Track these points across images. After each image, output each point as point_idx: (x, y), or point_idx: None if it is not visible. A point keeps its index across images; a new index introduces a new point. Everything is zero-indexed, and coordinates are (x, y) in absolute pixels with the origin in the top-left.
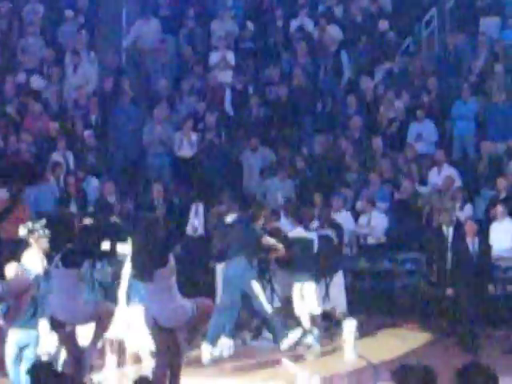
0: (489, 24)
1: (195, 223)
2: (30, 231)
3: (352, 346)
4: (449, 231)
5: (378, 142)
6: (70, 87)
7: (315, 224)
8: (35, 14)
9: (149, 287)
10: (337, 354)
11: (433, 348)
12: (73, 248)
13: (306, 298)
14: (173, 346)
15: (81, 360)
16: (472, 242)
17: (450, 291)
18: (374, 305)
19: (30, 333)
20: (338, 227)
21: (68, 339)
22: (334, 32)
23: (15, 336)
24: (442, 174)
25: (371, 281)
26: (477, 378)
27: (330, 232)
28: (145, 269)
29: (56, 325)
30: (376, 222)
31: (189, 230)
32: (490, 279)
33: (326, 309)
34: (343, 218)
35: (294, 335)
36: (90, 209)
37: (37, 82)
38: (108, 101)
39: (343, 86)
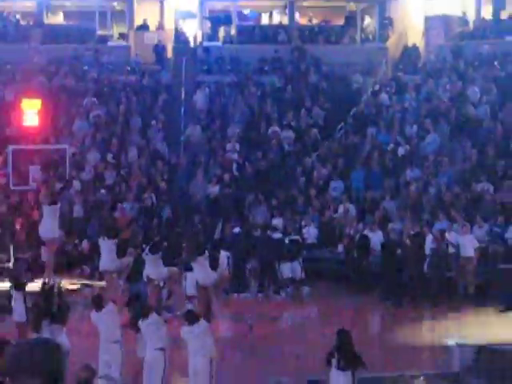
0: (371, 130)
1: (217, 233)
2: None
3: None
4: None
5: (313, 191)
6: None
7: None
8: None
9: (195, 265)
10: None
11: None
12: (156, 242)
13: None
14: (208, 294)
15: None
16: None
17: None
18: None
19: None
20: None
21: (155, 288)
22: (288, 134)
23: None
24: (344, 209)
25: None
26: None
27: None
28: (193, 254)
29: (151, 282)
30: (311, 231)
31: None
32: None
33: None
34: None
35: None
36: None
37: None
38: (173, 166)
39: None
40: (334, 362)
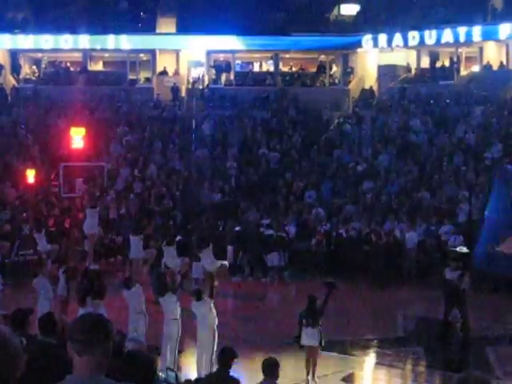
0: (337, 152)
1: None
2: None
3: None
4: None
5: (292, 198)
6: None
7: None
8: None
9: (202, 255)
10: None
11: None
12: (171, 237)
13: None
14: (212, 277)
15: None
16: None
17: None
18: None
19: None
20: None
21: (172, 276)
22: (274, 155)
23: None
24: (316, 212)
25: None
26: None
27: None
28: (200, 247)
29: (168, 268)
30: (291, 229)
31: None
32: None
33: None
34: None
35: None
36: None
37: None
38: (186, 179)
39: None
40: (304, 321)
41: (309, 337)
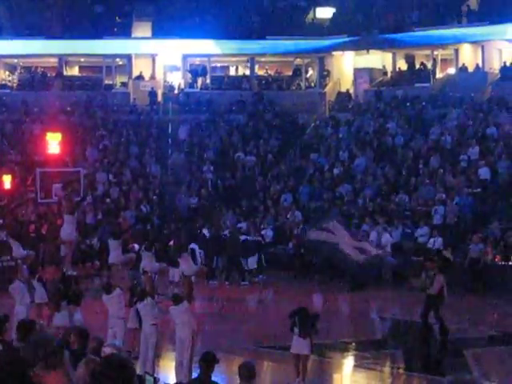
0: (313, 156)
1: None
2: None
3: None
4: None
5: (269, 202)
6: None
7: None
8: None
9: (180, 260)
10: None
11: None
12: (150, 242)
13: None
14: (189, 281)
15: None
16: None
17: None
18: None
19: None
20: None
21: (149, 280)
22: (250, 158)
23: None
24: (293, 214)
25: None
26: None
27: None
28: (178, 252)
29: (145, 272)
30: (268, 233)
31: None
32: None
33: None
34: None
35: None
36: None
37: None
38: (163, 183)
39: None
40: (295, 330)
41: (298, 345)
